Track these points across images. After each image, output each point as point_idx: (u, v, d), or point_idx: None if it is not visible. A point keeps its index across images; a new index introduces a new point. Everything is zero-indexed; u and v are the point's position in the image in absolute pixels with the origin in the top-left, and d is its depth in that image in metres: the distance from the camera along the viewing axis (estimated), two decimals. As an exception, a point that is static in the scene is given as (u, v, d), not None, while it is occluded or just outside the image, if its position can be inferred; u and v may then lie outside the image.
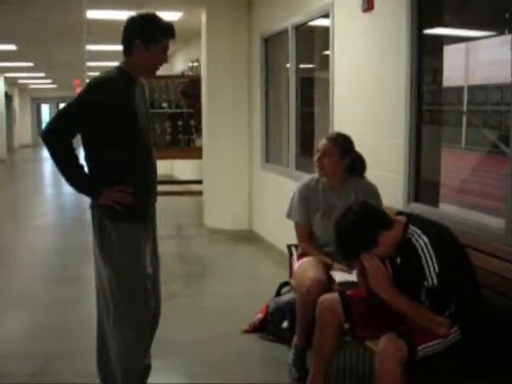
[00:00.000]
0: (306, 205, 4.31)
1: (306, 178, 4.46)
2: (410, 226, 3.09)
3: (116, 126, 3.29)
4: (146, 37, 3.33)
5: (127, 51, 3.39)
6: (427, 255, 2.93)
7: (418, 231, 3.04)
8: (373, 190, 4.30)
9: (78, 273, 6.67)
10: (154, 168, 3.59)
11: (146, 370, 3.63)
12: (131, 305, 3.41)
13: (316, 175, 4.37)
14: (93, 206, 3.45)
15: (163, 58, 3.44)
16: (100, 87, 3.30)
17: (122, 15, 9.30)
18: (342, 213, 3.25)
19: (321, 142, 4.26)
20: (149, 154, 3.53)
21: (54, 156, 3.30)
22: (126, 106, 3.34)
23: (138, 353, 3.49)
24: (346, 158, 4.22)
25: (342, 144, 4.24)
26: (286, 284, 4.99)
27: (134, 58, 3.37)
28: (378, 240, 3.06)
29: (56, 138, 3.30)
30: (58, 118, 3.33)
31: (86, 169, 3.38)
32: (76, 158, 3.32)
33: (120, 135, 3.32)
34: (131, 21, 3.41)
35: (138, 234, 3.43)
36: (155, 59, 3.40)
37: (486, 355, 2.99)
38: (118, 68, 3.42)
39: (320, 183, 4.32)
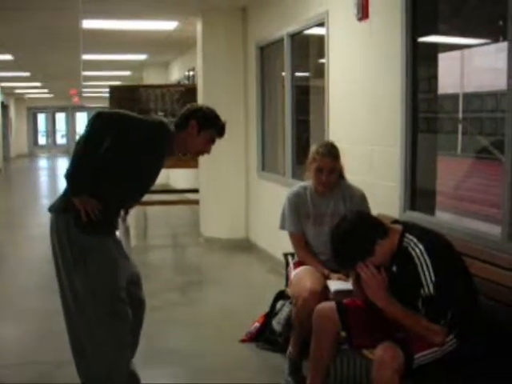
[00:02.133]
0: (297, 214, 4.33)
1: (294, 187, 4.48)
2: (406, 234, 3.09)
3: (134, 165, 3.42)
4: (203, 122, 3.61)
5: (181, 126, 3.58)
6: (423, 264, 2.94)
7: (415, 240, 3.04)
8: (360, 195, 4.33)
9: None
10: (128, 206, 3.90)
11: (132, 380, 3.60)
12: (109, 315, 3.37)
13: (304, 183, 4.41)
14: (59, 211, 3.43)
15: (206, 149, 3.70)
16: (158, 130, 3.45)
17: (118, 25, 9.40)
18: (337, 222, 3.26)
19: (323, 162, 4.18)
20: (137, 198, 3.72)
21: (88, 134, 3.32)
22: (155, 161, 3.54)
23: (119, 362, 3.45)
24: (340, 166, 4.31)
25: (339, 156, 4.28)
26: (280, 295, 4.96)
27: (184, 134, 3.57)
28: (374, 249, 3.06)
29: (103, 123, 3.34)
30: (116, 112, 3.48)
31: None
32: (92, 152, 3.33)
33: (131, 174, 3.44)
34: (197, 108, 3.72)
35: (110, 244, 3.45)
36: (199, 145, 3.65)
37: (483, 363, 2.99)
38: (172, 130, 3.55)
39: (308, 190, 4.34)
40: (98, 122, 3.31)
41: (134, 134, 3.38)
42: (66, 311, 3.46)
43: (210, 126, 3.67)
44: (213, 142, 3.73)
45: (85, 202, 3.31)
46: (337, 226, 3.22)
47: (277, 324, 4.81)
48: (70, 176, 3.34)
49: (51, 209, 3.48)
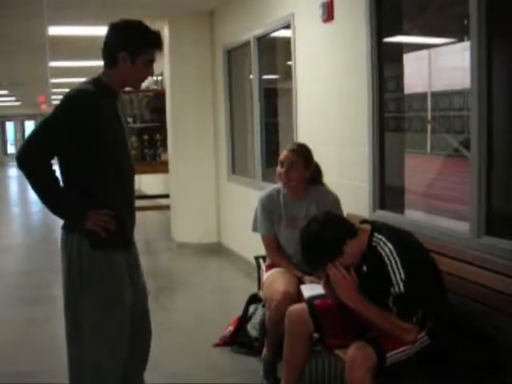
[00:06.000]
0: (269, 216, 4.34)
1: (267, 189, 4.49)
2: (375, 233, 3.11)
3: (95, 142, 2.99)
4: (133, 49, 3.06)
5: (110, 64, 3.10)
6: (393, 262, 2.95)
7: (383, 239, 3.06)
8: (333, 199, 4.33)
9: (45, 292, 6.57)
10: (133, 188, 3.36)
11: None
12: (109, 341, 3.12)
13: (277, 186, 4.40)
14: (69, 230, 3.10)
15: (149, 72, 3.19)
16: (76, 101, 2.99)
17: (85, 31, 9.34)
18: (306, 223, 3.27)
19: (284, 155, 4.26)
20: (131, 171, 3.27)
21: (32, 181, 2.97)
22: (105, 120, 3.05)
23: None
24: (308, 167, 4.28)
25: (305, 154, 4.30)
26: (253, 299, 4.95)
27: (118, 71, 3.08)
28: (343, 249, 3.07)
29: (32, 161, 2.97)
30: (33, 138, 3.00)
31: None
32: (57, 182, 3.00)
33: (101, 152, 3.02)
34: (116, 29, 3.12)
35: (120, 261, 3.15)
36: (140, 73, 3.15)
37: (455, 359, 3.01)
38: (97, 80, 3.10)
39: (281, 194, 4.34)
40: (29, 164, 2.97)
41: (66, 129, 2.96)
42: (74, 331, 3.16)
43: (143, 48, 3.09)
44: (152, 62, 3.16)
45: (96, 219, 3.02)
46: (306, 226, 3.23)
47: (252, 329, 4.81)
48: (60, 215, 3.08)
49: (62, 226, 3.15)
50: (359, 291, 3.09)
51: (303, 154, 4.29)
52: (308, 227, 3.21)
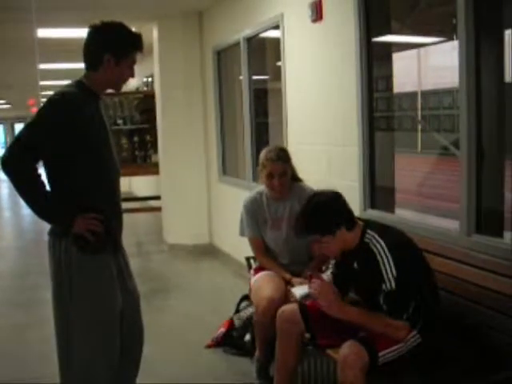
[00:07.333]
0: (254, 219, 4.36)
1: (250, 193, 4.50)
2: (368, 230, 3.13)
3: (80, 146, 3.00)
4: (118, 51, 3.08)
5: (94, 66, 3.11)
6: (385, 259, 2.96)
7: (376, 236, 3.07)
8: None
9: (36, 296, 6.55)
10: (119, 189, 3.36)
11: None
12: (99, 342, 3.13)
13: (259, 189, 4.43)
14: (56, 234, 3.11)
15: (131, 73, 3.19)
16: (61, 104, 3.00)
17: (74, 33, 9.31)
18: (318, 191, 3.33)
19: (271, 168, 4.21)
20: (116, 174, 3.29)
21: (17, 185, 2.95)
22: (90, 123, 3.06)
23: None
24: (291, 168, 4.33)
25: (288, 158, 4.32)
26: (245, 297, 4.99)
27: (101, 73, 3.10)
28: (336, 232, 3.08)
29: (17, 164, 2.96)
30: (18, 141, 3.00)
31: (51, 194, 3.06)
32: (42, 186, 2.98)
33: (86, 155, 3.03)
34: (99, 32, 3.12)
35: (110, 264, 3.17)
36: (123, 75, 3.16)
37: (446, 357, 3.02)
38: (79, 82, 3.13)
39: (264, 196, 4.36)
40: (14, 168, 2.96)
41: (50, 132, 2.95)
42: (64, 336, 3.17)
43: (128, 50, 3.11)
44: (134, 63, 3.17)
45: (83, 223, 3.01)
46: (317, 194, 3.28)
47: (237, 320, 4.86)
48: (46, 220, 3.06)
49: (50, 232, 3.15)
50: (341, 301, 3.13)
51: (286, 158, 4.30)
52: (319, 195, 3.25)
